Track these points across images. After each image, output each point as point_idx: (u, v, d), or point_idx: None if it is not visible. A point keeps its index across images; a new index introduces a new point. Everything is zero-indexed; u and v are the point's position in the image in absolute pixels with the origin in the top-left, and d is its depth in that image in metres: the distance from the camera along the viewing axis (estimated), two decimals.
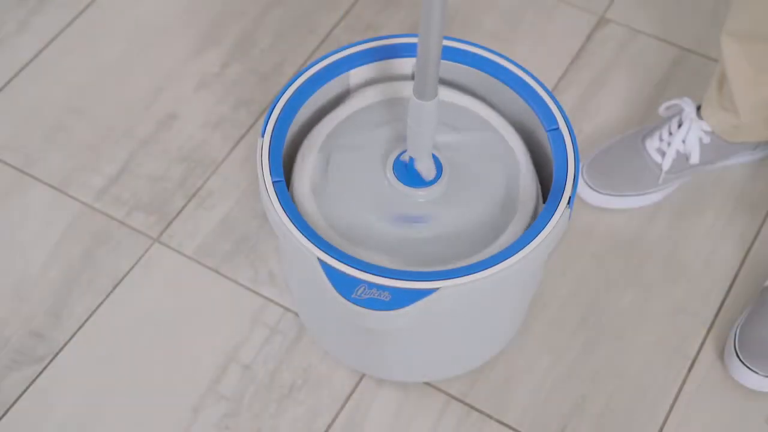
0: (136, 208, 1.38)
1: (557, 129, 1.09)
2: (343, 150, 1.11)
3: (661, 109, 1.37)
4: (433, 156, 1.09)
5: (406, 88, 1.15)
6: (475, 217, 1.08)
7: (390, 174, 1.09)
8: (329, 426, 1.21)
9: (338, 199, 1.08)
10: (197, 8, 1.58)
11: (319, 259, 1.00)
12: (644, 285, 1.31)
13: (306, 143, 1.12)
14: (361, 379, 1.24)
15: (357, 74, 1.15)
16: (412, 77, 1.17)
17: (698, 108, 1.35)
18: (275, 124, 1.09)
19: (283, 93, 1.11)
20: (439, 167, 1.09)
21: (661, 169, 1.34)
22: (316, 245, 1.00)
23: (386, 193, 1.09)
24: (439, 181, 1.09)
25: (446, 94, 1.15)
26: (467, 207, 1.08)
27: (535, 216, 1.09)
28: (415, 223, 1.07)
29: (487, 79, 1.14)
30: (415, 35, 1.14)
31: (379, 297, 0.98)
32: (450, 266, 1.03)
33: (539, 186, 1.12)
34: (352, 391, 1.23)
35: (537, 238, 1.02)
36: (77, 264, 1.33)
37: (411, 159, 1.08)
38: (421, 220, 1.07)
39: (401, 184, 1.09)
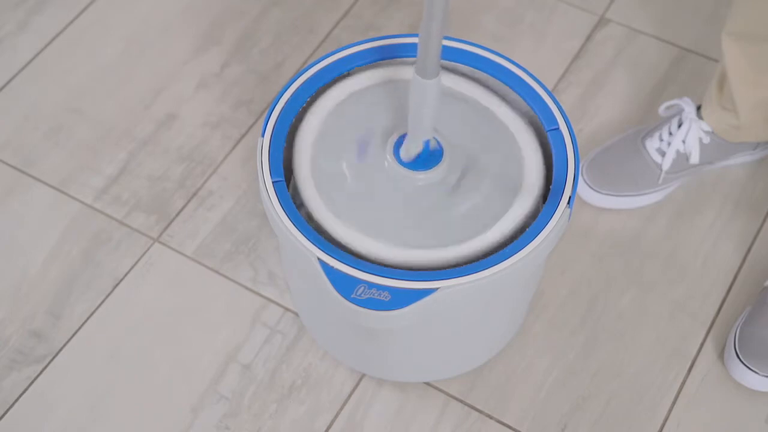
0: (136, 208, 1.38)
1: (557, 129, 1.09)
2: (344, 130, 1.10)
3: (661, 109, 1.37)
4: (435, 139, 1.08)
5: (406, 71, 1.14)
6: (475, 201, 1.07)
7: (390, 156, 1.08)
8: (329, 426, 1.21)
9: (337, 181, 1.07)
10: (197, 8, 1.58)
11: (319, 259, 1.00)
12: (644, 285, 1.31)
13: (307, 121, 1.11)
14: (361, 379, 1.24)
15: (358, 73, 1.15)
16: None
17: (698, 108, 1.35)
18: (275, 124, 1.09)
19: (283, 93, 1.11)
20: (440, 151, 1.08)
21: (661, 169, 1.34)
22: (316, 245, 1.00)
23: (386, 176, 1.08)
24: (440, 164, 1.07)
25: (450, 79, 1.13)
26: (467, 191, 1.07)
27: (537, 201, 1.09)
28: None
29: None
30: (416, 35, 1.14)
31: (378, 297, 0.98)
32: (449, 252, 1.03)
33: (544, 171, 1.10)
34: (352, 391, 1.23)
35: (537, 238, 1.02)
36: (77, 264, 1.33)
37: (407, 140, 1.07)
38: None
39: (401, 166, 1.07)
